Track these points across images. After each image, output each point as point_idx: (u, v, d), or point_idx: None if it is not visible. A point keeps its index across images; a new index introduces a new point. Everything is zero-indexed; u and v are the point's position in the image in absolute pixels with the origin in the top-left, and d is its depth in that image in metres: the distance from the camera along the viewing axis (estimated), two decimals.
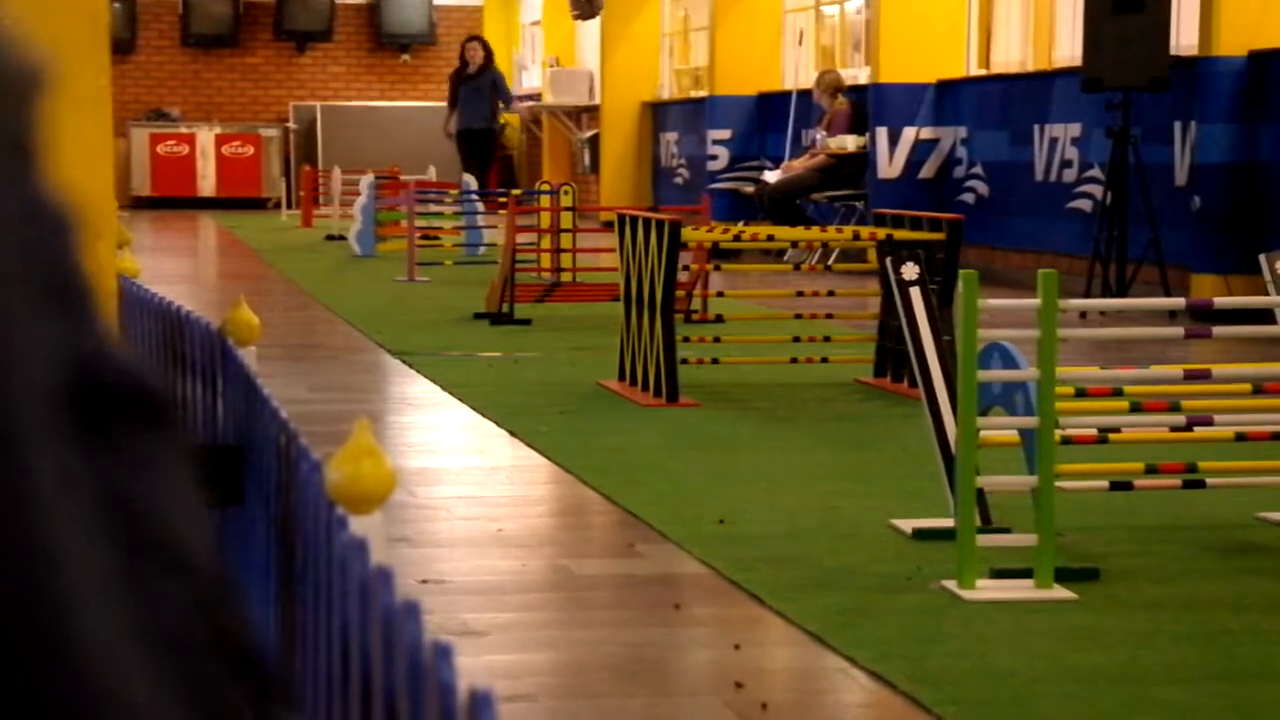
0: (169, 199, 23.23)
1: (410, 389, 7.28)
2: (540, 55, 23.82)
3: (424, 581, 3.91)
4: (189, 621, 0.52)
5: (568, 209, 11.19)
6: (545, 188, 12.06)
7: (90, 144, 2.85)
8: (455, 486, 5.17)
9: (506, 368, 7.79)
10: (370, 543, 1.81)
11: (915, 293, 4.56)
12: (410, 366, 7.78)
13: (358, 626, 1.74)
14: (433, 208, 14.33)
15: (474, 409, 6.54)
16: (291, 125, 24.16)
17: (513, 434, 5.99)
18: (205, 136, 23.69)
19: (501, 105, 18.57)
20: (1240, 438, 4.30)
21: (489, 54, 18.56)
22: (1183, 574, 4.06)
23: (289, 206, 21.85)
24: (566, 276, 10.88)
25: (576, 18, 20.16)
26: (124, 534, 0.51)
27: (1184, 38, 10.58)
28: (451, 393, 6.95)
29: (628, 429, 6.13)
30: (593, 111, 20.49)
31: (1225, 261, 9.84)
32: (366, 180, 14.98)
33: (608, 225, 10.34)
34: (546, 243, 11.27)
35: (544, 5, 23.27)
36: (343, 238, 15.79)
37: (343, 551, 1.84)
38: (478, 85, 18.22)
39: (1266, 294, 4.73)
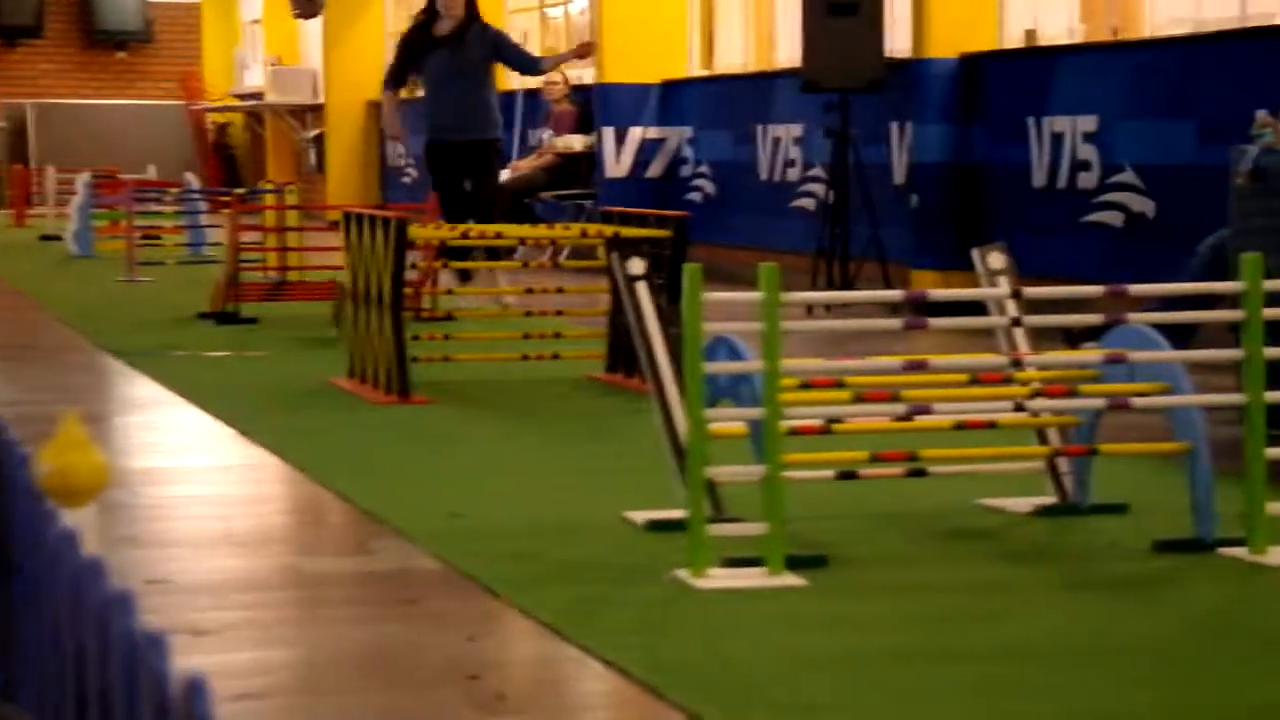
0: None
1: (133, 389, 7.08)
2: (261, 54, 23.40)
3: (150, 582, 3.80)
4: None
5: (293, 207, 11.03)
6: (269, 186, 11.86)
7: None
8: (182, 486, 5.04)
9: (234, 367, 7.63)
10: (83, 535, 1.75)
11: (641, 287, 4.58)
12: (133, 367, 7.56)
13: (69, 621, 1.67)
14: (153, 207, 14.00)
15: (201, 408, 6.38)
16: (0, 123, 23.36)
17: (241, 433, 5.86)
18: None
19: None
20: (959, 426, 4.41)
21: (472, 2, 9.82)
22: (907, 559, 4.16)
23: (0, 206, 21.13)
24: (294, 276, 10.72)
25: (297, 16, 19.84)
26: None
27: (898, 40, 10.83)
28: (177, 392, 6.78)
29: (359, 427, 6.05)
30: (318, 110, 20.21)
31: (943, 257, 10.11)
32: (83, 179, 14.57)
33: (335, 225, 10.19)
34: (273, 241, 11.08)
35: (264, 3, 22.86)
36: (59, 238, 15.32)
37: (54, 545, 1.78)
38: (463, 55, 9.63)
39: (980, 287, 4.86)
